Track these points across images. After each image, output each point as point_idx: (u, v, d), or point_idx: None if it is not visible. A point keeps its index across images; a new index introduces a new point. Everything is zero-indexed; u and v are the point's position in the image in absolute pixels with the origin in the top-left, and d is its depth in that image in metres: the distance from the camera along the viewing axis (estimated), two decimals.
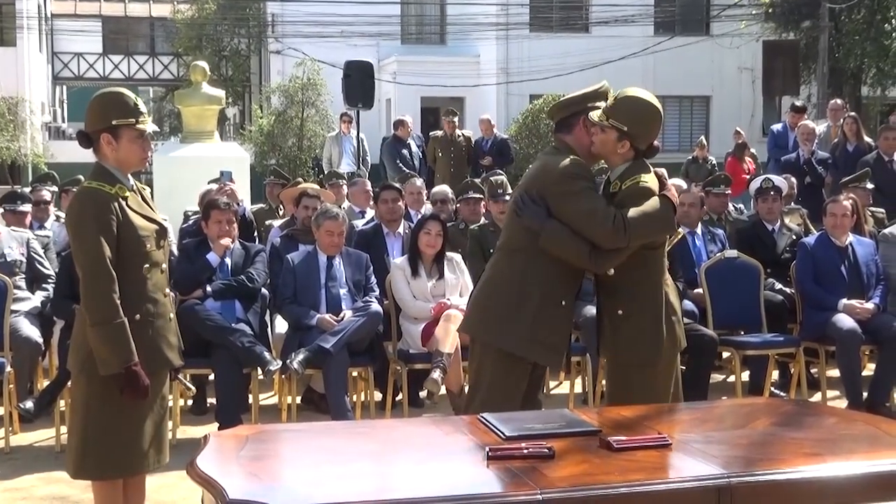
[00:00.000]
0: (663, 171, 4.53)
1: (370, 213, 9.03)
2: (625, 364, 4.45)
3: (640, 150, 4.40)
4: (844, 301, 7.10)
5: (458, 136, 14.60)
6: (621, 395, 4.40)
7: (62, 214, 8.79)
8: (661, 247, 4.49)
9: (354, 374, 6.84)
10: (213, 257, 6.79)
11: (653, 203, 4.29)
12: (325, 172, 13.15)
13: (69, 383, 5.93)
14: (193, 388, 5.57)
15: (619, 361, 4.49)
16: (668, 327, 4.40)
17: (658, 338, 4.37)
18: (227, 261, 6.85)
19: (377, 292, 6.92)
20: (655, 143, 4.44)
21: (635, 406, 3.98)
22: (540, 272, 4.33)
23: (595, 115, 4.37)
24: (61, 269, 6.88)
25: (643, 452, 3.12)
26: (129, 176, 4.18)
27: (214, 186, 8.44)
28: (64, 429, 6.20)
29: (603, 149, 4.40)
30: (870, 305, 7.11)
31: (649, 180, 4.36)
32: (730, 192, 9.32)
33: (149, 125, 4.15)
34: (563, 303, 4.37)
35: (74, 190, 8.84)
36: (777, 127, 13.23)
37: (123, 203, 4.05)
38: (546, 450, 3.06)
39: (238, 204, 8.62)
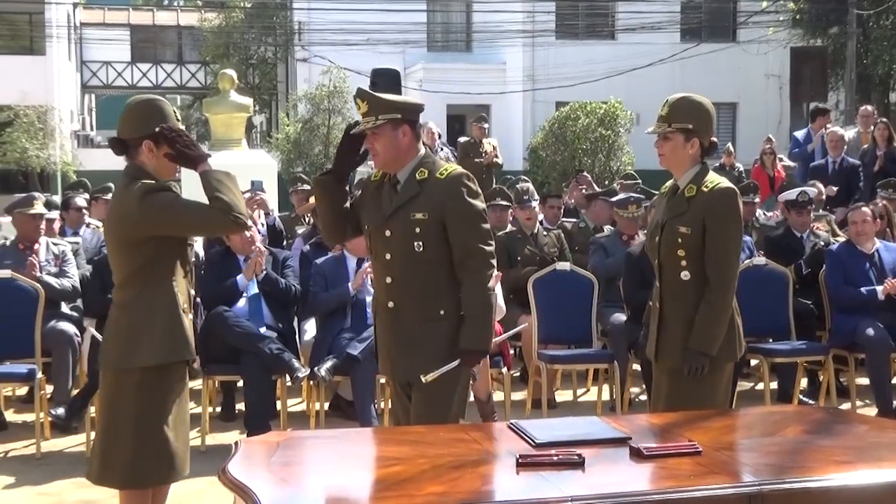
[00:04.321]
0: None
1: None
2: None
3: (705, 148, 4.35)
4: (879, 288, 7.06)
5: (487, 142, 14.55)
6: (681, 399, 4.23)
7: (93, 221, 8.85)
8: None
9: (382, 380, 6.85)
10: (241, 281, 6.76)
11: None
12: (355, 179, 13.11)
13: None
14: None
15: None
16: (732, 330, 4.35)
17: (733, 334, 4.32)
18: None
19: None
20: (713, 138, 4.40)
21: (664, 413, 3.97)
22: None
23: (652, 129, 4.35)
24: (94, 272, 6.93)
25: (674, 460, 3.11)
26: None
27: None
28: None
29: (673, 156, 4.33)
30: None
31: (723, 181, 4.33)
32: (758, 199, 9.28)
33: None
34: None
35: (105, 198, 8.97)
36: (800, 134, 13.16)
37: None
38: (576, 457, 3.06)
39: (268, 213, 8.67)
